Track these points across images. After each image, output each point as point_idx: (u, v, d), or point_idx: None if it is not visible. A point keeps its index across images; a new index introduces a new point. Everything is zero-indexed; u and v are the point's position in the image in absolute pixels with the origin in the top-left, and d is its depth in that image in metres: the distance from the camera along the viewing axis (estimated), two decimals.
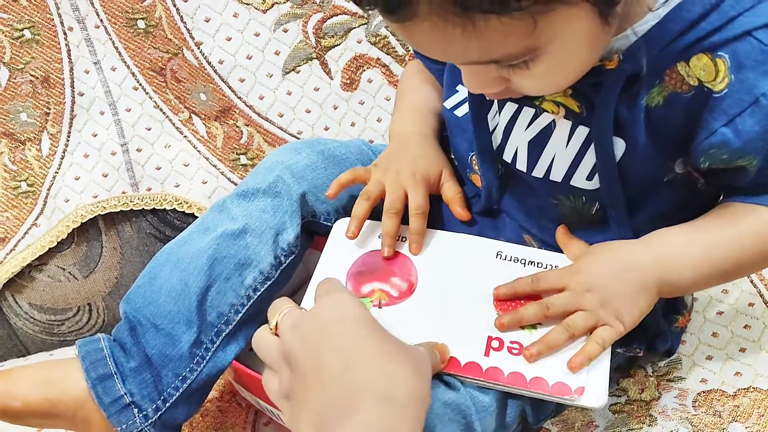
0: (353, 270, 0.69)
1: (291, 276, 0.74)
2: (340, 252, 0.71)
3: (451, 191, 0.73)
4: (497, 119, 0.68)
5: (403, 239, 0.71)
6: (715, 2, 0.54)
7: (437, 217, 0.75)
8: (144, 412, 0.66)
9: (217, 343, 0.68)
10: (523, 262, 0.68)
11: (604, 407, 0.60)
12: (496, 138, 0.68)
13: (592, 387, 0.60)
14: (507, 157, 0.67)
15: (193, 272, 0.68)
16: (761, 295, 0.83)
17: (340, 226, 0.73)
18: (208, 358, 0.68)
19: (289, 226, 0.71)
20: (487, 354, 0.62)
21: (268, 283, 0.70)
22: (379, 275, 0.69)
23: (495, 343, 0.63)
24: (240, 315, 0.69)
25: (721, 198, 0.66)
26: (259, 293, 0.70)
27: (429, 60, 0.77)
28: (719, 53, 0.55)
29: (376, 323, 0.54)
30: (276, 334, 0.56)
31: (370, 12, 0.51)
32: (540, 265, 0.67)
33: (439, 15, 0.47)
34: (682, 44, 0.55)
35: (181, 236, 0.72)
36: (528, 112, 0.65)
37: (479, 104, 0.68)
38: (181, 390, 0.67)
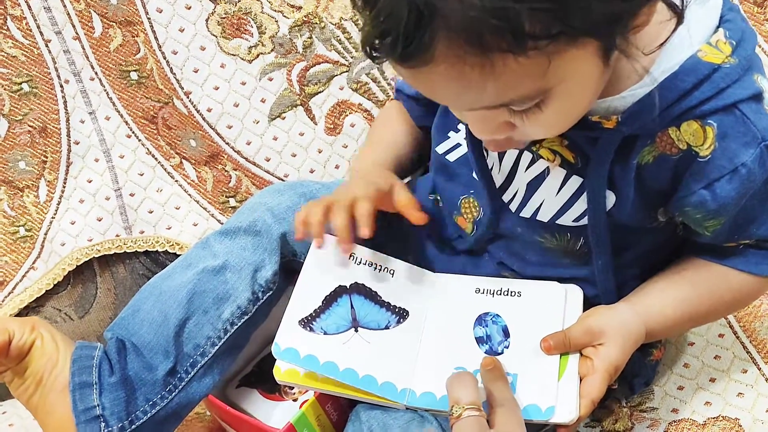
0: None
1: (268, 313, 0.76)
2: (323, 267, 0.71)
3: (404, 197, 0.70)
4: (496, 163, 0.70)
5: (391, 272, 0.72)
6: (708, 73, 0.57)
7: (422, 254, 0.78)
8: (109, 428, 0.67)
9: (192, 373, 0.71)
10: (499, 292, 0.71)
11: (574, 422, 0.62)
12: (497, 180, 0.70)
13: (562, 405, 0.62)
14: (506, 197, 0.69)
15: (173, 305, 0.71)
16: (731, 326, 0.84)
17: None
18: (180, 387, 0.70)
19: (268, 264, 0.74)
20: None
21: (245, 317, 0.73)
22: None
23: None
24: (216, 348, 0.71)
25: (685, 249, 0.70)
26: (236, 327, 0.72)
27: (412, 102, 0.79)
28: (709, 121, 0.58)
29: None
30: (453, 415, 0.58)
31: (381, 62, 0.52)
32: (513, 293, 0.70)
33: (458, 56, 0.47)
34: (675, 111, 0.58)
35: (164, 271, 0.75)
36: (527, 156, 0.67)
37: (478, 146, 0.69)
38: (149, 415, 0.69)
